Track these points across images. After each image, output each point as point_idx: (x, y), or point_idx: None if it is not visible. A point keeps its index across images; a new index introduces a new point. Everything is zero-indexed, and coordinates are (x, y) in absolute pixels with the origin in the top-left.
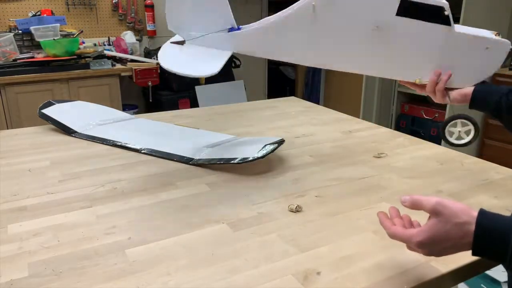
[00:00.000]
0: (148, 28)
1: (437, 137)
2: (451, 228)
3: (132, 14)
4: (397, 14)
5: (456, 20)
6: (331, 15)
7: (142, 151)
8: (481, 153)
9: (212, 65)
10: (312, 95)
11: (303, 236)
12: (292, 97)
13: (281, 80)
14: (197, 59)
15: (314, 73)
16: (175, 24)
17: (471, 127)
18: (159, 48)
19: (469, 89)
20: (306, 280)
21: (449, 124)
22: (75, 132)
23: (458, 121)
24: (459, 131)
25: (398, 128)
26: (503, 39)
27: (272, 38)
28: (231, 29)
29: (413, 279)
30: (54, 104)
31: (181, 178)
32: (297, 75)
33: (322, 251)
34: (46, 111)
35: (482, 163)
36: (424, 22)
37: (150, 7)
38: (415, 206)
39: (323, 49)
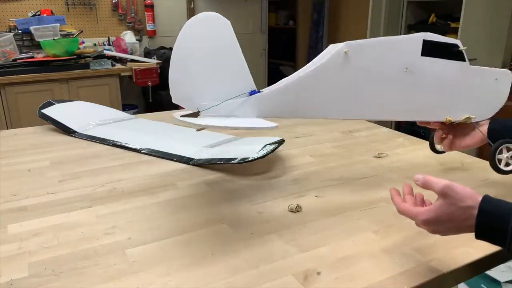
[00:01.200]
0: (148, 28)
1: None
2: (455, 211)
3: (132, 14)
4: (422, 55)
5: (456, 20)
6: (364, 61)
7: (142, 151)
8: (481, 153)
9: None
10: None
11: (303, 236)
12: None
13: None
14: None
15: None
16: (183, 95)
17: None
18: (159, 48)
19: (482, 132)
20: (306, 280)
21: (497, 152)
22: (75, 132)
23: (504, 147)
24: (506, 157)
25: (398, 128)
26: (504, 69)
27: (303, 95)
28: (252, 92)
29: (413, 279)
30: (54, 104)
31: (181, 178)
32: None
33: (322, 251)
34: (46, 111)
35: (482, 163)
36: (445, 60)
37: (150, 7)
38: (426, 186)
39: (359, 97)
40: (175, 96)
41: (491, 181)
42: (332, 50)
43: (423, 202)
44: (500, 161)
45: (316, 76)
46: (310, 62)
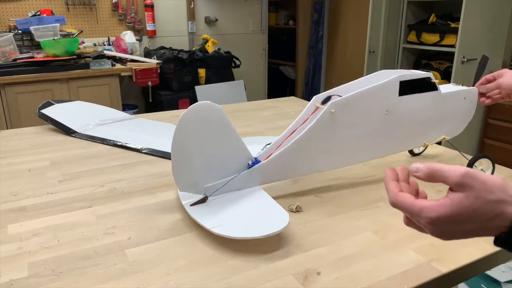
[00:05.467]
0: (148, 28)
1: None
2: (481, 206)
3: (132, 14)
4: (400, 95)
5: (456, 20)
6: (349, 115)
7: (143, 151)
8: (482, 151)
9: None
10: (312, 95)
11: (303, 236)
12: (292, 97)
13: (281, 80)
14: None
15: (314, 73)
16: (187, 183)
17: (489, 162)
18: (159, 48)
19: None
20: (306, 280)
21: (474, 164)
22: (75, 132)
23: (482, 160)
24: (481, 169)
25: None
26: (471, 87)
27: (298, 157)
28: (252, 164)
29: (413, 279)
30: (53, 104)
31: None
32: (297, 75)
33: (322, 251)
34: (45, 111)
35: None
36: (420, 94)
37: (150, 7)
38: (434, 178)
39: (347, 147)
40: (181, 185)
41: None
42: (317, 101)
43: (417, 194)
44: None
45: (308, 137)
46: (300, 115)
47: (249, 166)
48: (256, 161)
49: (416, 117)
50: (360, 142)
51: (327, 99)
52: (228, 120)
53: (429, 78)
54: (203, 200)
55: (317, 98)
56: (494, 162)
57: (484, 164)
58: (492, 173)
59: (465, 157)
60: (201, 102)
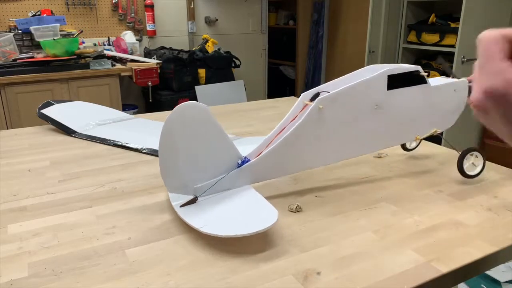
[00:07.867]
0: (148, 28)
1: (437, 137)
2: None
3: (132, 14)
4: (388, 89)
5: (456, 20)
6: (338, 110)
7: (143, 151)
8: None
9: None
10: None
11: (303, 236)
12: (292, 97)
13: (281, 80)
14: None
15: (314, 73)
16: (176, 184)
17: (480, 157)
18: (159, 48)
19: None
20: (306, 280)
21: (464, 158)
22: (74, 132)
23: (469, 154)
24: (472, 163)
25: None
26: (461, 79)
27: (287, 155)
28: (242, 163)
29: (413, 279)
30: (53, 104)
31: None
32: (297, 75)
33: (322, 251)
34: (45, 111)
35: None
36: (409, 87)
37: (150, 7)
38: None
39: (337, 143)
40: (170, 187)
41: (491, 181)
42: (305, 98)
43: None
44: (465, 166)
45: (297, 134)
46: (289, 113)
47: (239, 165)
48: (245, 160)
49: (406, 111)
50: (349, 137)
51: (316, 95)
52: (215, 120)
53: (417, 71)
54: (193, 201)
55: (306, 95)
56: (484, 156)
57: (472, 159)
58: (482, 169)
59: (457, 152)
60: (187, 103)
